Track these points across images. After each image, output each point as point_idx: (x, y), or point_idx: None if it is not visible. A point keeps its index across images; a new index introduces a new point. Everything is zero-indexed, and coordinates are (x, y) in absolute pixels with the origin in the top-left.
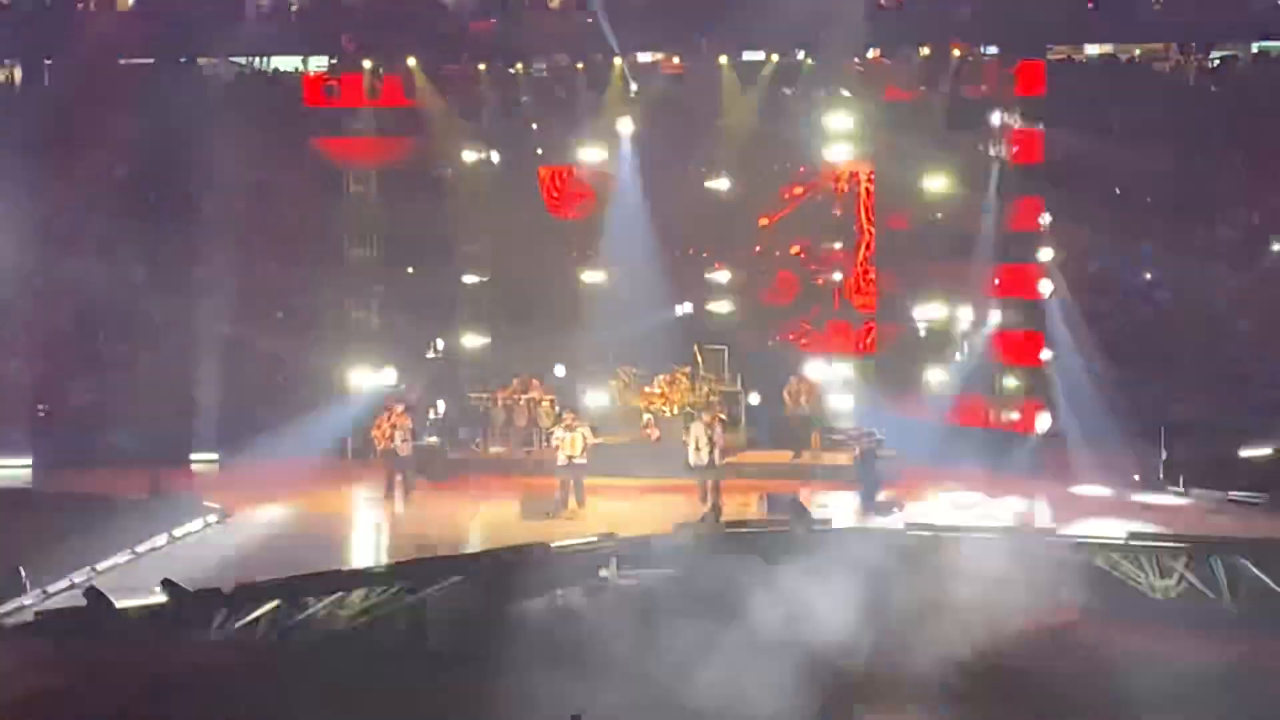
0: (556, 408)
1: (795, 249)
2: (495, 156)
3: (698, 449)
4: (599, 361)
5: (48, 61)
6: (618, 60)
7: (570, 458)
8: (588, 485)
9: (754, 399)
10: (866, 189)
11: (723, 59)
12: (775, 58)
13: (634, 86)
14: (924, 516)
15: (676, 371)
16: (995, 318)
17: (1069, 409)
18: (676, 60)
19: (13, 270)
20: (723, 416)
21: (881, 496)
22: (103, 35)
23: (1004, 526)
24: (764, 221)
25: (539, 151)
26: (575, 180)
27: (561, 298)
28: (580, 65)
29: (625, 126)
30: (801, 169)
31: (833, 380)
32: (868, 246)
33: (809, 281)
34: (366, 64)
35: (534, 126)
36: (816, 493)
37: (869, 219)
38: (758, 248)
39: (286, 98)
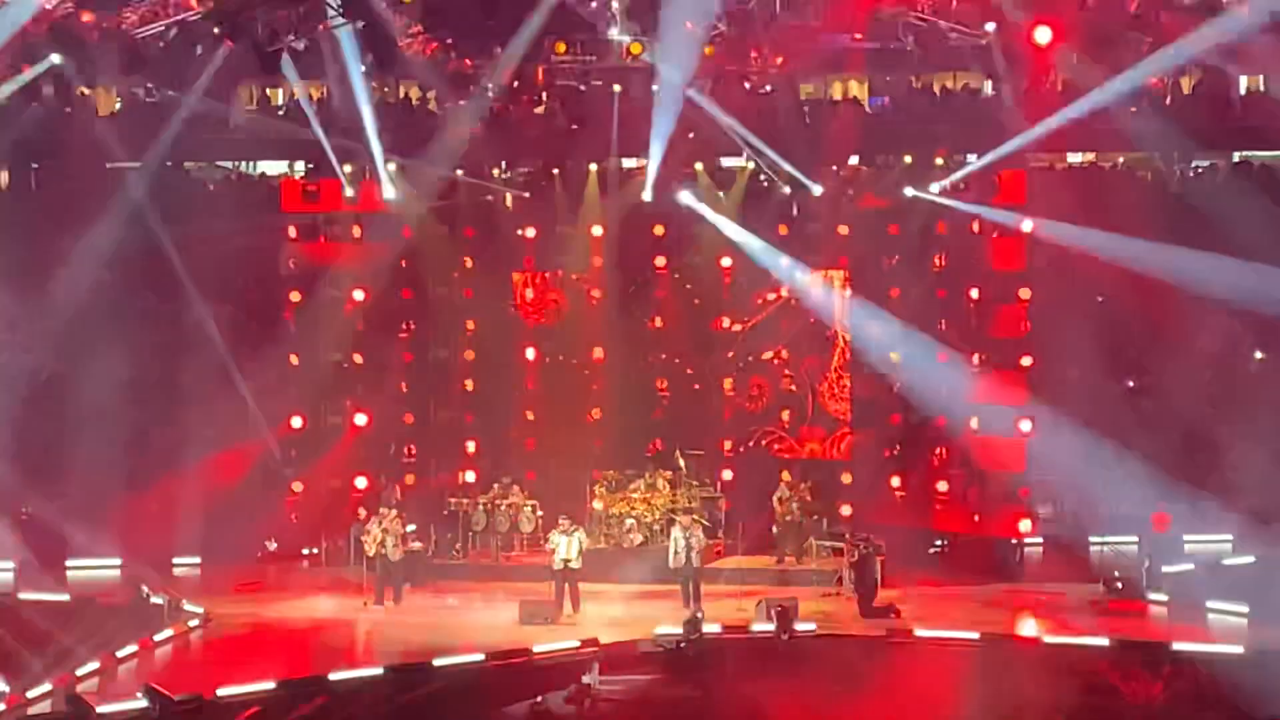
0: (539, 512)
1: (768, 354)
2: (471, 261)
3: (676, 552)
4: (575, 467)
5: (34, 165)
6: (593, 166)
7: (566, 561)
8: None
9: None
10: (841, 295)
11: (698, 165)
12: (751, 164)
13: (607, 192)
14: (915, 622)
15: (657, 477)
16: (974, 423)
17: (1051, 514)
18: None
19: None
20: (704, 521)
21: (878, 601)
22: (88, 139)
23: (988, 633)
24: (736, 327)
25: (526, 258)
26: (548, 286)
27: (535, 403)
28: (556, 171)
29: (598, 231)
30: (775, 274)
31: (820, 486)
32: (842, 353)
33: (781, 387)
34: (346, 168)
35: (514, 231)
36: (813, 598)
37: (843, 324)
38: (729, 353)
39: (269, 201)
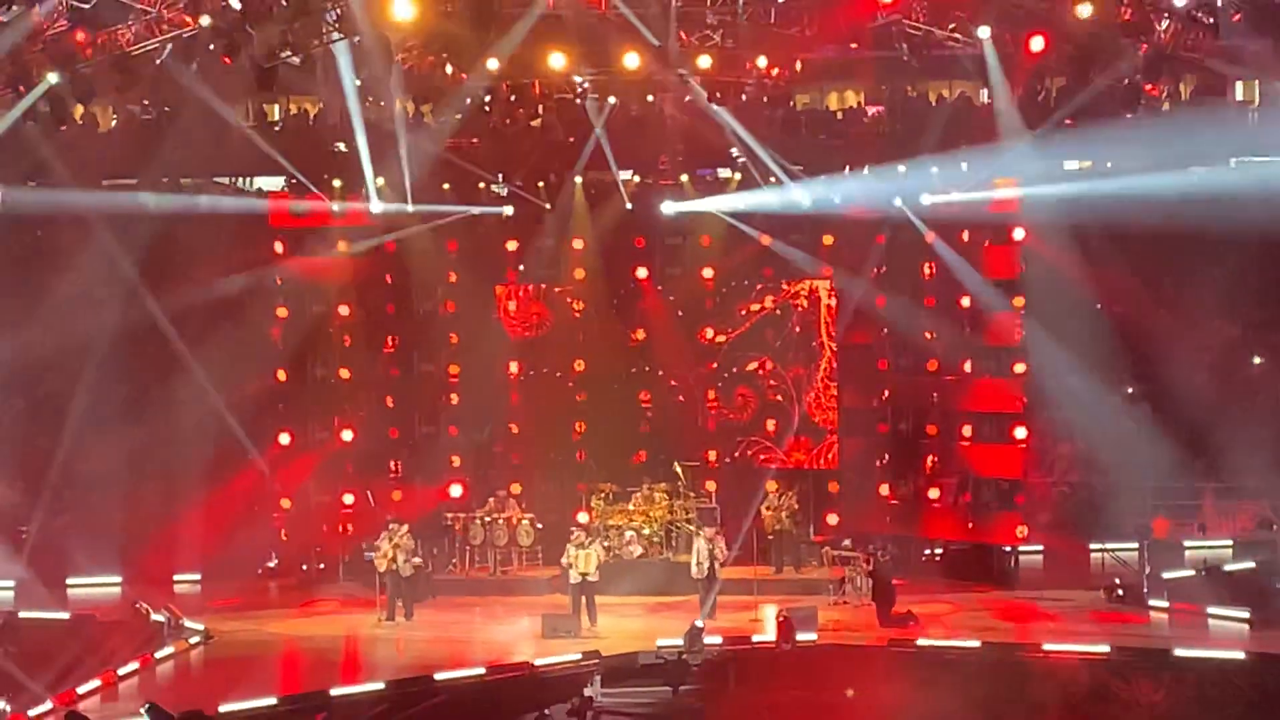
0: (537, 526)
1: (753, 365)
2: (455, 275)
3: (699, 562)
4: (560, 480)
5: (31, 184)
6: (579, 179)
7: (584, 575)
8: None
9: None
10: (828, 305)
11: (684, 177)
12: (738, 176)
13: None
14: (925, 632)
15: (653, 489)
16: (968, 430)
17: (1048, 520)
18: (638, 179)
19: None
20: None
21: (895, 609)
22: (85, 157)
23: (989, 641)
24: (720, 338)
25: (510, 271)
26: (531, 299)
27: (519, 416)
28: (542, 184)
29: (580, 244)
30: (759, 285)
31: (806, 495)
32: (829, 362)
33: (766, 397)
34: (335, 183)
35: (497, 244)
36: (822, 608)
37: (829, 334)
38: (713, 364)
39: (259, 216)
